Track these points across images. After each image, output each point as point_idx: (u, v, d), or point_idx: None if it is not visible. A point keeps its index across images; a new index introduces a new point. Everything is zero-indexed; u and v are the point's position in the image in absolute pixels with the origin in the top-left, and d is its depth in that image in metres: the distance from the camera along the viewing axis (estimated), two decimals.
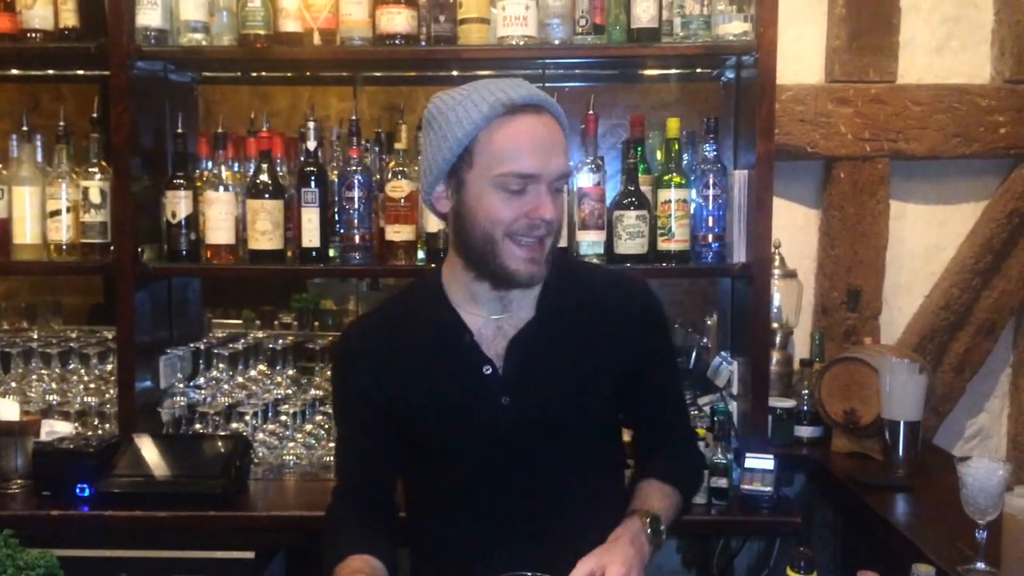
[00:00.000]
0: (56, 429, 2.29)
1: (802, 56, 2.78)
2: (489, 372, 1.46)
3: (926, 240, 2.86)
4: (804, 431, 2.56)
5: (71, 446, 2.17)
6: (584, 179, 2.32)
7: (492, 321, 1.49)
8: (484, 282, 1.46)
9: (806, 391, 2.57)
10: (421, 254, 2.37)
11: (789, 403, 2.55)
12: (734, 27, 2.24)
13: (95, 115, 2.40)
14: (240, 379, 2.46)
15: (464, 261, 1.47)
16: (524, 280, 1.43)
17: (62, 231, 2.36)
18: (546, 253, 1.43)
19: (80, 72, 2.69)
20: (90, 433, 2.34)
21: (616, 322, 1.52)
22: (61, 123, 2.40)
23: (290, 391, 2.46)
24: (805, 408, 2.56)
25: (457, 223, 1.45)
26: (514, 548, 1.45)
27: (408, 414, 1.50)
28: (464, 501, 1.51)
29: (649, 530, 1.42)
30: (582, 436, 1.51)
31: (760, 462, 2.16)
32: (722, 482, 2.12)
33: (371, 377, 1.51)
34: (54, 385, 2.48)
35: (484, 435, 1.46)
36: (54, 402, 2.43)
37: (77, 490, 2.11)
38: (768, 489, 2.13)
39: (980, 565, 1.67)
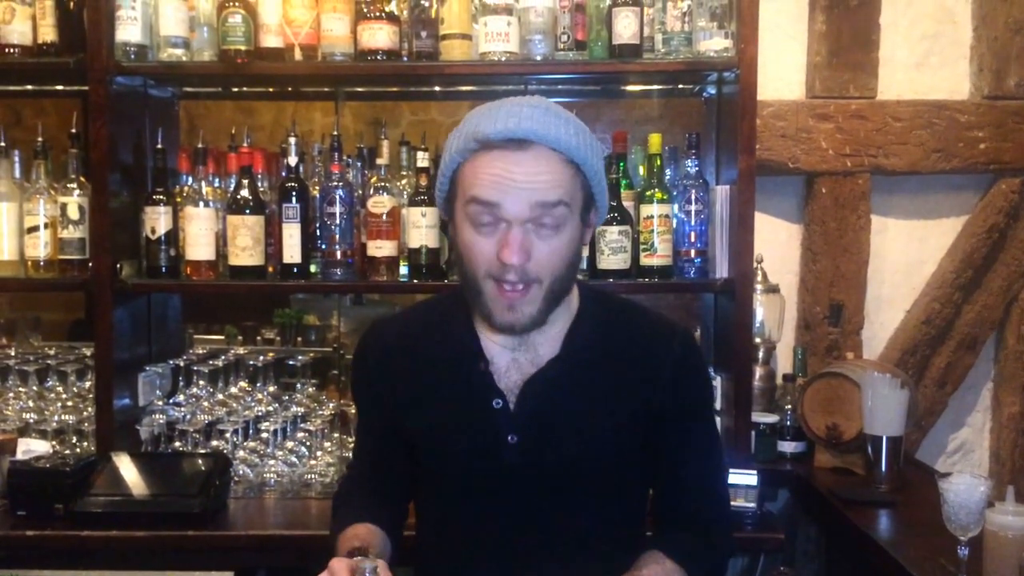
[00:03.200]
0: (33, 448, 2.26)
1: (783, 72, 2.80)
2: (499, 406, 1.37)
3: (907, 255, 2.88)
4: (787, 446, 2.56)
5: (47, 465, 2.14)
6: None
7: (508, 352, 1.40)
8: None
9: (789, 406, 2.57)
10: (404, 269, 2.36)
11: (772, 418, 2.55)
12: (715, 44, 2.25)
13: (74, 130, 2.38)
14: (220, 396, 2.44)
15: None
16: (501, 326, 1.32)
17: (40, 247, 2.34)
18: (535, 300, 1.30)
19: (60, 87, 2.67)
20: (67, 452, 2.31)
21: (648, 367, 1.40)
22: (39, 138, 2.38)
23: (271, 408, 2.43)
24: (788, 423, 2.56)
25: (455, 256, 1.44)
26: (512, 572, 1.40)
27: (413, 428, 1.44)
28: (466, 531, 1.44)
29: None
30: (593, 488, 1.40)
31: (743, 478, 2.15)
32: None
33: (384, 385, 1.47)
34: (31, 403, 2.44)
35: (486, 471, 1.38)
36: (31, 420, 2.40)
37: (53, 510, 2.08)
38: (751, 505, 2.13)
39: None
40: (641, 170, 2.48)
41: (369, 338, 1.52)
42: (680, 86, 2.66)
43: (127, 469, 2.18)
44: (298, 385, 2.49)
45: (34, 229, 2.34)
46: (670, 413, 1.41)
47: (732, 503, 2.02)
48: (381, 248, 2.32)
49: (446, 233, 2.35)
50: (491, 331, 1.39)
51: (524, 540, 1.40)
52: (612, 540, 1.43)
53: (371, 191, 2.34)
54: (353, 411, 2.44)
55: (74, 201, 2.32)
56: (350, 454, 2.33)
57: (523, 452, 1.36)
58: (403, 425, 1.46)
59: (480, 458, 1.38)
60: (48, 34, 2.32)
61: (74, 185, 2.34)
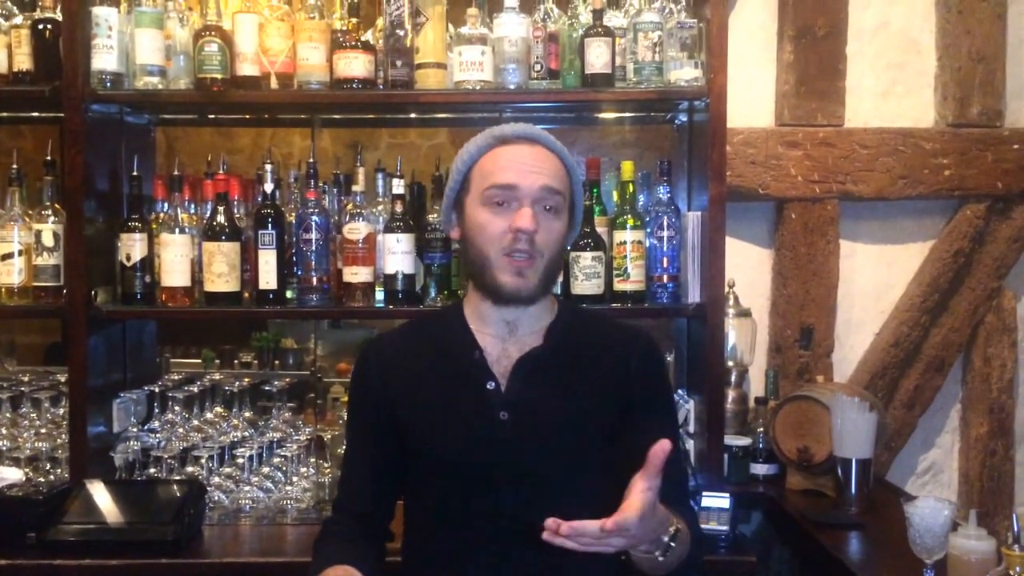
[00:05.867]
0: (5, 476, 2.25)
1: (753, 100, 2.85)
2: (492, 387, 1.53)
3: (876, 279, 2.93)
4: (760, 469, 2.59)
5: (20, 493, 2.13)
6: None
7: (499, 343, 1.57)
8: (488, 302, 1.55)
9: (761, 429, 2.60)
10: (379, 295, 2.38)
11: (745, 441, 2.58)
12: (685, 73, 2.29)
13: (49, 157, 2.39)
14: (196, 422, 2.43)
15: (472, 283, 1.58)
16: (509, 291, 1.50)
17: (14, 274, 2.34)
18: (537, 270, 1.50)
19: (35, 115, 2.68)
20: (41, 479, 2.30)
21: (615, 365, 1.59)
22: (14, 165, 2.38)
23: (247, 433, 2.43)
24: (760, 446, 2.59)
25: (462, 246, 1.58)
26: (504, 564, 1.49)
27: (411, 421, 1.56)
28: (456, 513, 1.53)
29: (667, 537, 1.37)
30: (576, 462, 1.54)
31: (716, 500, 2.18)
32: None
33: (382, 385, 1.60)
34: (4, 430, 2.42)
35: (480, 447, 1.51)
36: (4, 448, 2.38)
37: (25, 538, 2.06)
38: (724, 528, 2.14)
39: None
40: (614, 196, 2.51)
41: (371, 347, 1.68)
42: (652, 114, 2.70)
43: (101, 496, 2.17)
44: (274, 410, 2.49)
45: (8, 256, 2.34)
46: (638, 401, 1.58)
47: (705, 526, 2.06)
48: (357, 274, 2.34)
49: (422, 259, 2.38)
50: (492, 306, 1.54)
51: (514, 523, 1.48)
52: (592, 505, 1.46)
53: (347, 217, 2.36)
54: (329, 436, 2.45)
55: (49, 228, 2.32)
56: (326, 480, 2.35)
57: (514, 428, 1.51)
58: (401, 418, 1.57)
59: (475, 436, 1.52)
60: (24, 62, 2.33)
61: (49, 212, 2.34)
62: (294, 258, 2.37)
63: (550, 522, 1.23)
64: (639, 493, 1.26)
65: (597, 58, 2.29)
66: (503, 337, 1.57)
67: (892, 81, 2.88)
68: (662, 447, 1.27)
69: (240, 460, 2.37)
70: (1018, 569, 1.46)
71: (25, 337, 3.05)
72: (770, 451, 2.57)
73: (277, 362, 3.16)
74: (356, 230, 2.33)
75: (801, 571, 2.61)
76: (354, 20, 2.35)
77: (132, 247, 2.32)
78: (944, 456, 3.01)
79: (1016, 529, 1.48)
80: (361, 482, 1.63)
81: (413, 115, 2.71)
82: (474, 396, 1.53)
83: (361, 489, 1.63)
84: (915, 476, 2.98)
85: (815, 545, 2.15)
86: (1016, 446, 2.97)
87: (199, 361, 3.11)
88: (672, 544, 1.38)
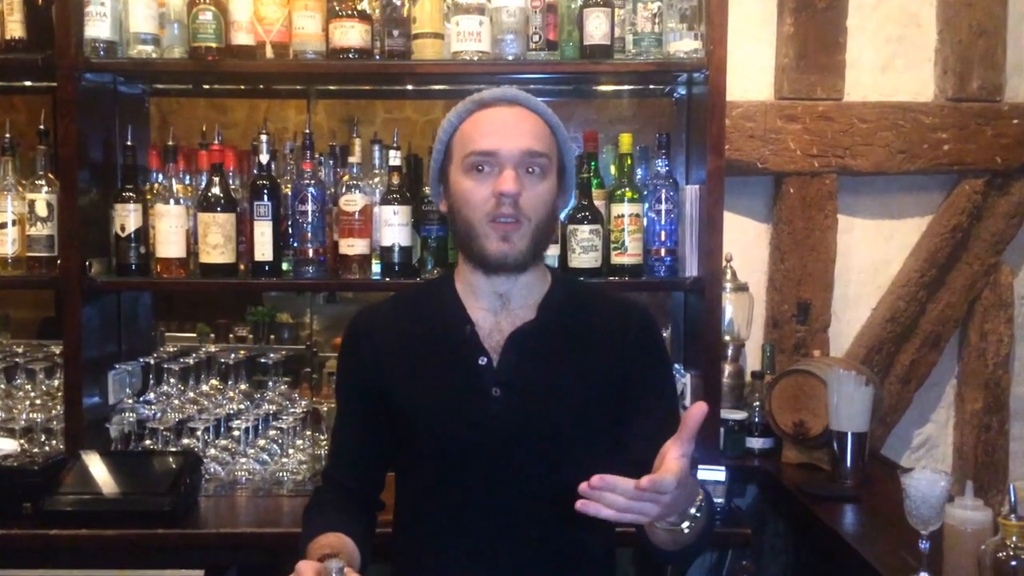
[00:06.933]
0: (0, 446, 2.25)
1: (752, 74, 2.83)
2: (484, 363, 1.50)
3: (873, 254, 2.93)
4: (755, 442, 2.60)
5: (15, 464, 2.13)
6: None
7: (491, 316, 1.53)
8: (479, 272, 1.51)
9: (757, 403, 2.61)
10: (376, 268, 2.37)
11: (741, 415, 2.59)
12: (684, 45, 2.27)
13: (43, 127, 2.36)
14: (191, 394, 2.43)
15: (462, 254, 1.54)
16: (496, 258, 1.46)
17: (8, 244, 2.32)
18: (524, 235, 1.45)
19: (28, 84, 2.65)
20: (36, 450, 2.29)
21: (611, 339, 1.54)
22: (7, 135, 2.36)
23: (243, 406, 2.42)
24: (756, 420, 2.60)
25: (450, 217, 1.54)
26: (497, 540, 1.47)
27: (402, 396, 1.53)
28: (447, 491, 1.51)
29: (693, 508, 1.32)
30: (569, 437, 1.51)
31: (712, 474, 2.18)
32: None
33: (372, 357, 1.56)
34: (0, 402, 2.42)
35: (472, 423, 1.48)
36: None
37: (21, 508, 2.06)
38: (720, 501, 2.15)
39: (923, 575, 1.70)
40: (612, 169, 2.50)
41: (360, 317, 1.63)
42: (651, 87, 2.68)
43: (96, 467, 2.16)
44: (270, 383, 2.48)
45: (2, 226, 2.32)
46: (635, 375, 1.54)
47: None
48: (353, 246, 2.32)
49: (419, 232, 2.37)
50: (482, 277, 1.50)
51: (505, 499, 1.47)
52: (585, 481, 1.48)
53: (343, 189, 2.35)
54: (325, 409, 2.45)
55: (42, 198, 2.30)
56: (322, 452, 2.35)
57: (505, 404, 1.48)
58: (391, 392, 1.53)
59: (466, 412, 1.49)
60: (16, 30, 2.30)
61: (42, 182, 2.32)
62: (290, 230, 2.36)
63: (586, 484, 1.15)
64: (674, 460, 1.19)
65: (596, 29, 2.27)
66: (495, 310, 1.53)
67: (892, 55, 2.87)
68: (700, 409, 1.20)
69: (236, 432, 2.37)
70: (1014, 539, 1.46)
71: (18, 312, 3.03)
72: (766, 425, 2.58)
73: (272, 336, 3.15)
74: (352, 202, 2.32)
75: (795, 544, 2.63)
76: None
77: (127, 218, 2.31)
78: (939, 431, 3.02)
79: (1014, 500, 1.49)
80: (351, 453, 1.61)
81: (410, 87, 2.69)
82: (465, 372, 1.50)
83: (351, 460, 1.61)
84: (910, 451, 2.99)
85: (810, 518, 2.16)
86: (1011, 421, 2.98)
87: (194, 335, 3.10)
88: (698, 515, 1.32)
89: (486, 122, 1.48)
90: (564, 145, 1.54)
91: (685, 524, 1.31)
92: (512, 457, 1.48)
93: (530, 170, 1.46)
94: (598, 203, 2.38)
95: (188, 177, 2.45)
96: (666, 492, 1.16)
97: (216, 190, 2.30)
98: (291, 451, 2.37)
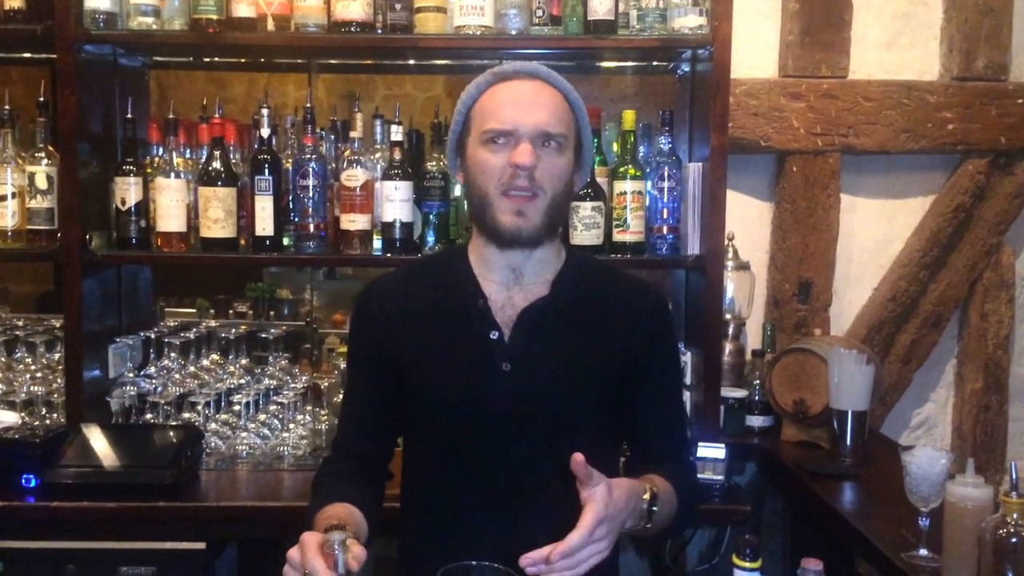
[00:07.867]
0: (2, 419, 2.25)
1: (756, 50, 2.81)
2: (495, 337, 1.49)
3: (875, 233, 2.92)
4: (755, 420, 2.60)
5: (17, 436, 2.13)
6: None
7: (504, 290, 1.52)
8: (492, 246, 1.50)
9: (757, 381, 2.61)
10: (377, 243, 2.36)
11: (741, 393, 2.59)
12: (689, 21, 2.25)
13: (42, 99, 2.35)
14: (192, 368, 2.43)
15: (476, 226, 1.53)
16: (510, 231, 1.45)
17: (7, 217, 2.31)
18: (539, 209, 1.45)
19: (27, 55, 2.63)
20: (37, 423, 2.30)
21: (623, 319, 1.55)
22: (6, 107, 2.34)
23: (243, 381, 2.43)
24: (756, 398, 2.60)
25: (466, 189, 1.54)
26: (503, 513, 1.48)
27: (412, 365, 1.53)
28: (453, 463, 1.52)
29: (645, 505, 1.39)
30: (577, 414, 1.51)
31: (712, 451, 2.19)
32: None
33: (384, 326, 1.56)
34: (0, 374, 2.42)
35: (481, 397, 1.48)
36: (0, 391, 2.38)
37: (23, 481, 2.07)
38: (719, 478, 2.16)
39: (923, 551, 1.71)
40: (615, 147, 2.49)
41: (374, 285, 1.62)
42: (654, 63, 2.66)
43: (97, 440, 2.17)
44: (270, 358, 2.48)
45: (1, 199, 2.31)
46: (645, 357, 1.55)
47: (700, 475, 2.08)
48: (354, 222, 2.32)
49: (420, 207, 2.36)
50: (496, 251, 1.50)
51: (513, 473, 1.48)
52: (590, 458, 1.47)
53: (344, 164, 2.33)
54: (325, 384, 2.45)
55: (42, 171, 2.29)
56: (323, 427, 2.36)
57: (515, 380, 1.48)
58: (402, 360, 1.53)
59: (476, 386, 1.49)
60: (15, 0, 2.27)
61: (42, 154, 2.31)
62: (291, 205, 2.35)
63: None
64: (585, 505, 1.27)
65: (600, 4, 2.26)
66: (508, 284, 1.52)
67: (897, 32, 2.85)
68: (577, 460, 1.26)
69: (237, 407, 2.37)
70: (1015, 516, 1.46)
71: (18, 285, 3.03)
72: (766, 403, 2.58)
73: (272, 313, 3.14)
74: (354, 177, 2.31)
75: (794, 521, 2.64)
76: None
77: (127, 191, 2.30)
78: (938, 411, 3.02)
79: (1015, 477, 1.49)
80: (361, 423, 1.61)
81: (411, 61, 2.67)
82: (477, 345, 1.49)
83: (360, 430, 1.60)
84: (909, 430, 3.00)
85: (810, 495, 2.17)
86: (1010, 402, 2.98)
87: (194, 311, 3.09)
88: (654, 508, 1.39)
89: (506, 95, 1.47)
90: (583, 122, 1.53)
91: (643, 522, 1.39)
92: (519, 432, 1.48)
93: (547, 144, 1.45)
94: (600, 180, 2.37)
95: (188, 151, 2.44)
96: (580, 548, 1.23)
97: (217, 164, 2.29)
98: (292, 426, 2.37)
